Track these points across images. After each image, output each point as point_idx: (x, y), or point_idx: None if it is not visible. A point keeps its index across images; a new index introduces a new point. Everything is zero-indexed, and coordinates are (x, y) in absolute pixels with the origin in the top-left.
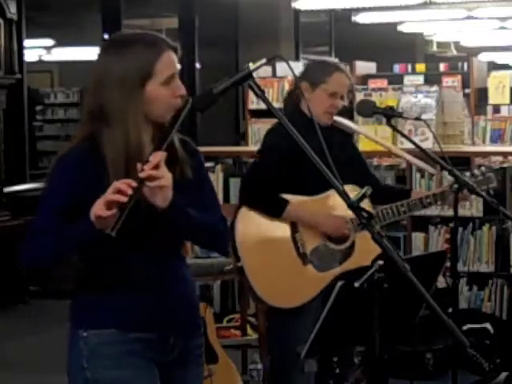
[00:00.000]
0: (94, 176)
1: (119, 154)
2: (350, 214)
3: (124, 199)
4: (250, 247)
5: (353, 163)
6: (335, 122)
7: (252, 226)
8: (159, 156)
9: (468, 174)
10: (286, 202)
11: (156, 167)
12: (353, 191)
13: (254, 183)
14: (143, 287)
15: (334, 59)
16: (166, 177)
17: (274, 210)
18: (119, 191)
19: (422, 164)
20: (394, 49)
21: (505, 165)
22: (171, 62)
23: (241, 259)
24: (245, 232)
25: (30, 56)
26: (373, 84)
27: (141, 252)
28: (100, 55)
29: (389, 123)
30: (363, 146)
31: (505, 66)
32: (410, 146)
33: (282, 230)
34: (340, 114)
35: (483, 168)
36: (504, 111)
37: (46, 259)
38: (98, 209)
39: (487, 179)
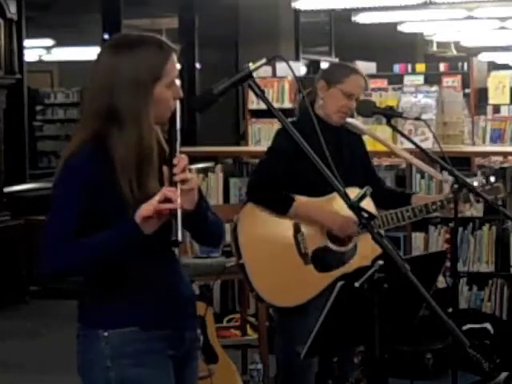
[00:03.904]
0: (102, 177)
1: (131, 155)
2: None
3: (175, 206)
4: (252, 245)
5: (360, 165)
6: (345, 122)
7: (255, 224)
8: (185, 159)
9: (476, 183)
10: (293, 199)
11: (184, 170)
12: (353, 193)
13: (261, 181)
14: (157, 286)
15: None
16: (194, 179)
17: (281, 206)
18: (168, 199)
19: (429, 169)
20: (394, 49)
21: (505, 165)
22: (176, 64)
23: (242, 256)
24: (248, 230)
25: (30, 56)
26: (373, 84)
27: (153, 254)
28: (106, 55)
29: (389, 123)
30: None
31: (505, 66)
32: (410, 145)
33: (284, 229)
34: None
35: (492, 178)
36: (504, 111)
37: (73, 267)
38: (147, 213)
39: (496, 189)
